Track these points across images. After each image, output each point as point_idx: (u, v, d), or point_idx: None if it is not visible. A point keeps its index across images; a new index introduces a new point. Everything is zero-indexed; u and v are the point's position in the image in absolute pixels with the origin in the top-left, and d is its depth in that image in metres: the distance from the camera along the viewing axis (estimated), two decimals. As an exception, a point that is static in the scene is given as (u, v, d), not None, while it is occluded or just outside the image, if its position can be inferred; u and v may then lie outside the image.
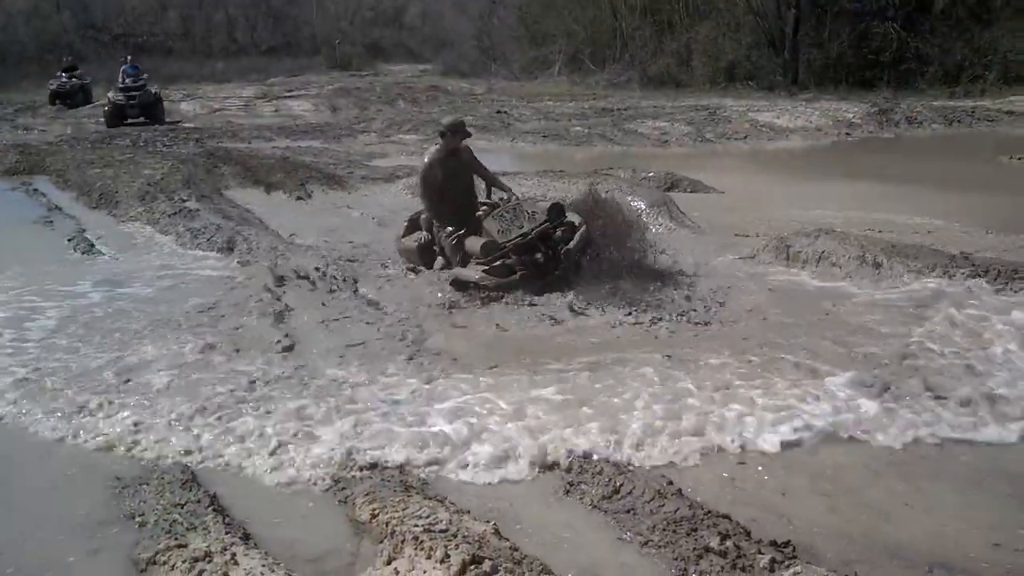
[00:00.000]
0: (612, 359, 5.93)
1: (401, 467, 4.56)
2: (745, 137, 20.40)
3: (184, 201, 11.71)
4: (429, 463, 4.62)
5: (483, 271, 7.50)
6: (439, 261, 8.42)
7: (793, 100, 26.26)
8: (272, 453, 4.72)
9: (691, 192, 12.65)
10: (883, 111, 22.72)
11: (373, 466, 4.57)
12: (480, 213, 7.99)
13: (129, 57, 26.03)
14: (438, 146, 8.09)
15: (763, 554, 3.60)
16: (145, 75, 24.69)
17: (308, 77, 41.28)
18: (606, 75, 35.22)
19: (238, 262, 9.11)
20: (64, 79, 27.36)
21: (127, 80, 23.83)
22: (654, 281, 7.62)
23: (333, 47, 52.32)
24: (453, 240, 7.93)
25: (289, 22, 57.61)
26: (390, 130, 21.99)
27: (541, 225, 7.66)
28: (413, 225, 8.78)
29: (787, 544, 3.71)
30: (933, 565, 3.63)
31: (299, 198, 12.57)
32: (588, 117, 23.82)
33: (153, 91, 24.07)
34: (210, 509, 4.11)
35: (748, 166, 16.92)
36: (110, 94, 23.68)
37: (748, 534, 3.79)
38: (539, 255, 7.60)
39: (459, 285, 7.67)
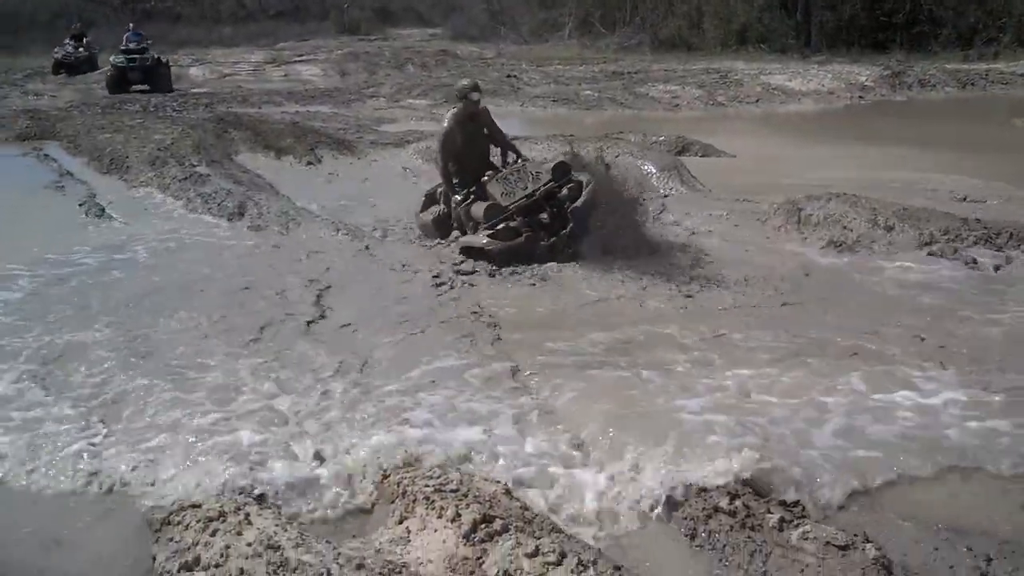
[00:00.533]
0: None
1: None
2: (757, 101, 20.29)
3: (194, 166, 11.71)
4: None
5: (488, 236, 7.34)
6: (455, 233, 8.20)
7: (805, 63, 26.07)
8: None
9: (702, 156, 12.59)
10: (896, 74, 22.55)
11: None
12: (485, 178, 7.83)
13: (132, 23, 25.61)
14: (456, 109, 7.89)
15: (772, 513, 3.63)
16: (149, 41, 24.31)
17: (317, 42, 41.07)
18: (616, 38, 34.97)
19: (248, 227, 9.17)
20: (71, 48, 26.89)
21: (130, 45, 23.46)
22: (668, 250, 7.55)
23: (342, 11, 51.97)
24: (461, 207, 7.80)
25: (297, -14, 57.25)
26: (399, 95, 21.92)
27: (546, 184, 7.48)
28: (430, 199, 8.64)
29: (796, 503, 3.73)
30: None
31: (309, 163, 12.56)
32: (598, 81, 23.69)
33: (156, 56, 23.60)
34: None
35: (760, 130, 16.83)
36: (112, 57, 23.41)
37: (757, 494, 3.82)
38: (544, 215, 7.49)
39: (468, 252, 7.54)
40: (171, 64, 25.04)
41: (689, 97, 20.33)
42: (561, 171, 7.58)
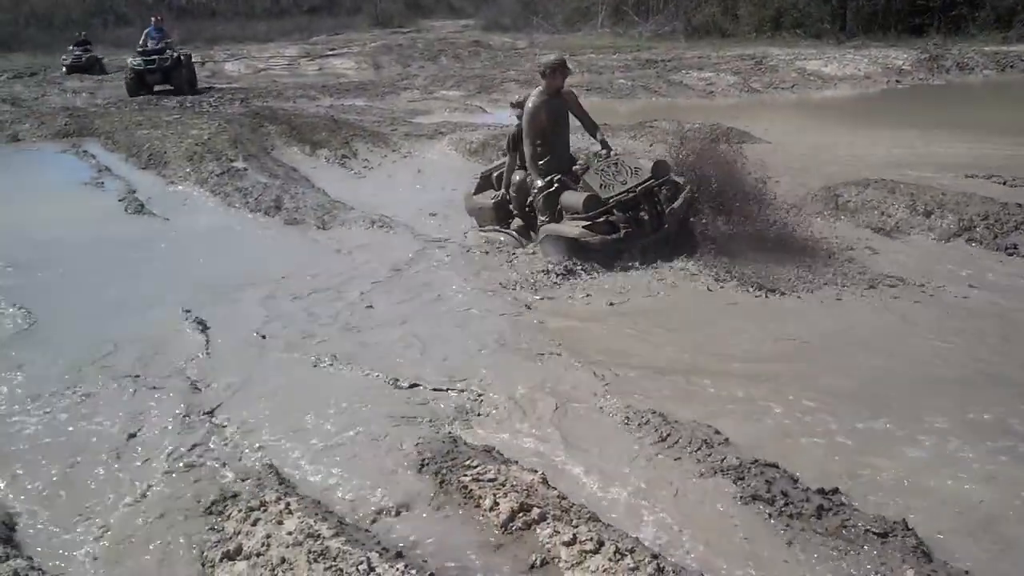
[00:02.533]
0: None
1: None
2: (792, 87, 20.12)
3: (232, 161, 11.83)
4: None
5: (584, 227, 7.01)
6: (516, 222, 7.97)
7: (841, 48, 25.79)
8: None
9: (738, 143, 12.47)
10: (933, 57, 22.26)
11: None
12: (578, 167, 7.54)
13: (156, 18, 23.74)
14: (540, 88, 7.53)
15: (810, 501, 3.62)
16: (170, 39, 22.60)
17: (350, 35, 41.22)
18: (650, 26, 34.79)
19: (285, 221, 9.28)
20: (78, 53, 26.90)
21: (149, 43, 21.83)
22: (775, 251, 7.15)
23: (374, 4, 52.13)
24: (546, 192, 7.39)
25: (330, -20, 57.46)
26: (433, 86, 21.95)
27: (646, 181, 7.27)
28: (485, 182, 8.37)
29: (835, 491, 3.72)
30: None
31: (344, 156, 12.60)
32: (632, 69, 23.59)
33: (176, 55, 21.89)
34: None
35: (796, 116, 16.67)
36: (130, 59, 21.76)
37: (795, 481, 3.81)
38: (643, 213, 7.20)
39: (552, 242, 7.27)
40: (196, 60, 24.55)
41: (724, 84, 20.19)
42: (661, 169, 7.42)
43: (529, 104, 7.46)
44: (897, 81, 20.52)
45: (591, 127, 7.84)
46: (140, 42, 22.16)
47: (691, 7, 33.98)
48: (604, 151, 7.63)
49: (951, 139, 12.41)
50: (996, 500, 3.74)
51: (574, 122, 7.77)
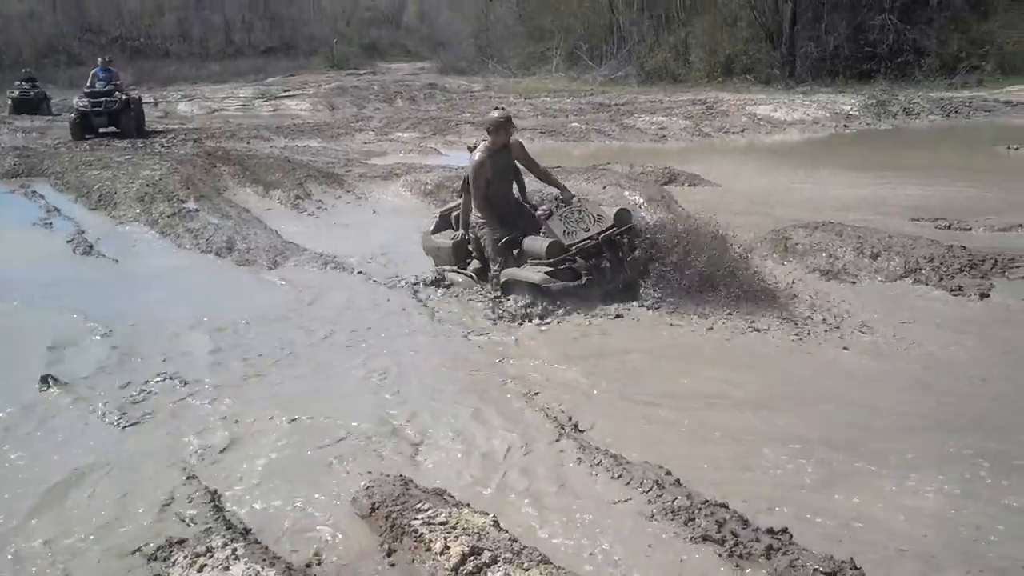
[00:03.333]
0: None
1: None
2: (743, 131, 20.44)
3: (183, 202, 11.74)
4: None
5: (546, 273, 7.04)
6: (474, 263, 7.94)
7: (790, 93, 26.31)
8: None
9: (689, 186, 12.67)
10: (880, 103, 22.75)
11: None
12: (541, 212, 7.54)
13: (103, 59, 22.63)
14: (486, 142, 7.59)
15: (760, 541, 3.63)
16: (118, 81, 21.39)
17: (306, 77, 41.30)
18: (604, 70, 35.25)
19: (236, 262, 9.21)
20: (25, 87, 26.24)
21: (97, 84, 20.81)
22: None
23: (330, 47, 52.31)
24: (503, 241, 7.41)
25: (286, 23, 57.66)
26: (388, 128, 22.00)
27: (608, 229, 7.34)
28: (444, 221, 8.35)
29: (784, 531, 3.73)
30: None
31: (298, 197, 12.55)
32: (586, 113, 23.85)
33: (125, 97, 20.85)
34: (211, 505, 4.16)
35: (746, 160, 16.94)
36: (75, 100, 20.82)
37: (746, 522, 3.82)
38: (605, 261, 7.25)
39: (509, 288, 7.30)
40: (149, 101, 24.06)
41: (676, 128, 20.47)
42: (623, 217, 7.49)
43: (475, 157, 7.55)
44: (845, 126, 20.92)
45: (544, 176, 7.95)
46: (88, 83, 21.22)
47: (644, 53, 34.50)
48: (564, 195, 7.70)
49: (898, 183, 12.68)
50: (941, 538, 3.79)
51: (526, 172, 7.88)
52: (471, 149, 7.92)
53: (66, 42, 44.42)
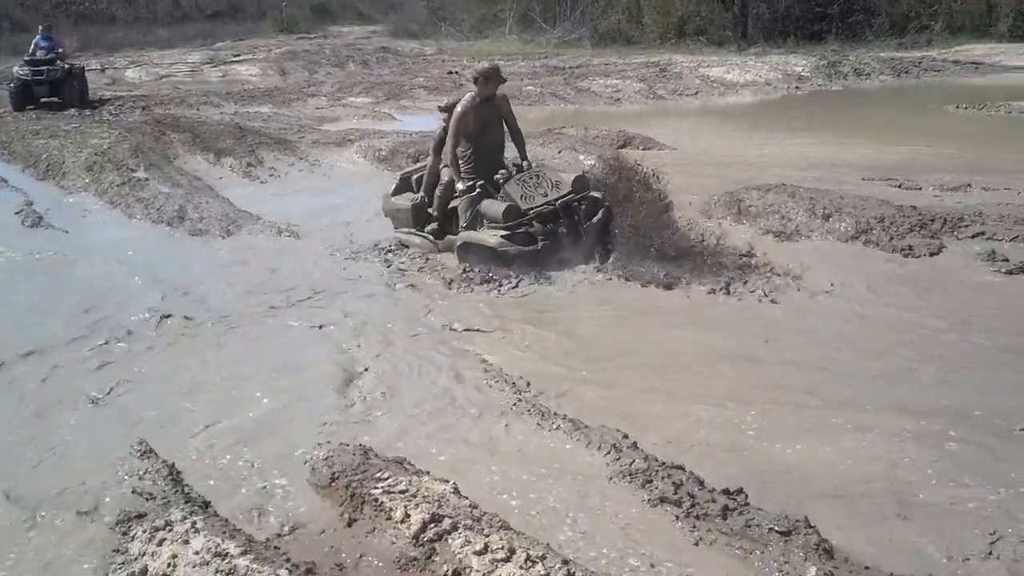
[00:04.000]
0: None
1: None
2: (696, 93, 20.50)
3: (132, 171, 11.57)
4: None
5: (502, 236, 7.09)
6: (432, 226, 7.92)
7: (743, 55, 26.41)
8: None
9: (643, 149, 12.67)
10: (831, 64, 22.92)
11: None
12: (499, 176, 7.50)
13: (44, 26, 21.23)
14: (472, 93, 7.53)
15: (716, 502, 3.69)
16: (60, 49, 20.22)
17: (255, 41, 40.54)
18: (557, 33, 35.07)
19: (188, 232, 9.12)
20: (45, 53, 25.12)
21: (39, 53, 19.70)
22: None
23: (280, 10, 51.44)
24: (469, 195, 7.43)
25: (234, -15, 56.60)
26: (340, 93, 21.78)
27: (565, 195, 7.33)
28: (404, 184, 8.30)
29: (739, 491, 3.79)
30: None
31: (250, 165, 12.41)
32: (540, 76, 23.75)
33: (68, 66, 19.79)
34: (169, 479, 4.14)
35: (699, 122, 16.99)
36: (15, 68, 19.78)
37: (702, 483, 3.88)
38: (561, 226, 7.26)
39: (466, 249, 7.30)
40: (95, 68, 23.20)
41: (630, 91, 20.46)
42: (581, 184, 7.49)
43: (459, 107, 7.47)
44: (797, 87, 21.05)
45: (517, 138, 7.85)
46: (29, 51, 20.09)
47: (597, 14, 34.36)
48: (523, 163, 7.66)
49: (849, 143, 12.81)
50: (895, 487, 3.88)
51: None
52: (443, 109, 7.89)
53: (7, 7, 43.23)
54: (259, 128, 14.95)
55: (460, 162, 7.52)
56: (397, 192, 8.32)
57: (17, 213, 10.07)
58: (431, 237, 7.89)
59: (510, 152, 7.86)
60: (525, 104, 19.32)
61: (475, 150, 7.52)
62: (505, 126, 7.77)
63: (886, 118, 15.85)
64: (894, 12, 28.46)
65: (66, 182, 11.54)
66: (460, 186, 7.49)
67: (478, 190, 7.43)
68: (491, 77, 7.51)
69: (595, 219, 7.35)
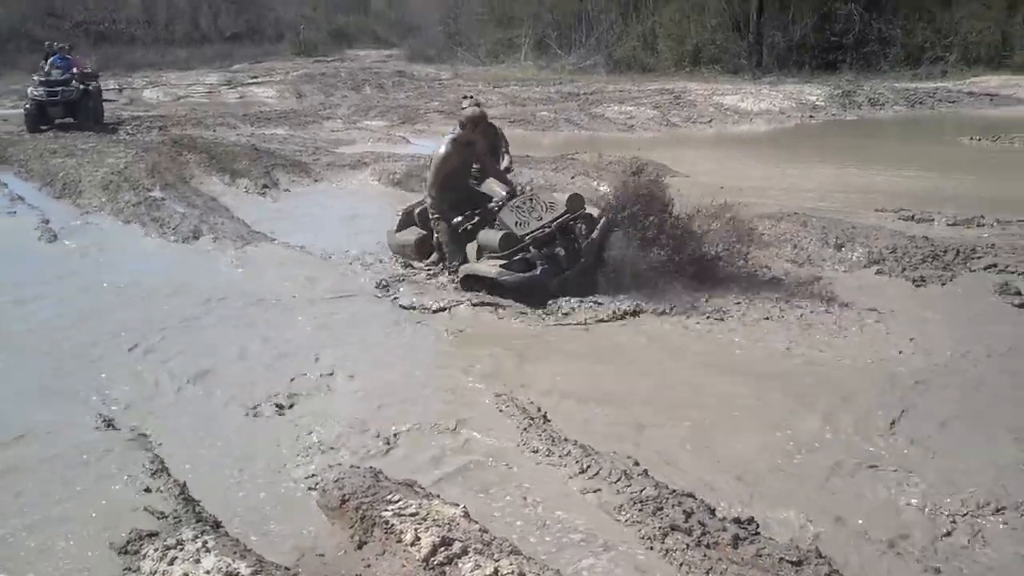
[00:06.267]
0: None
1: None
2: (710, 121, 20.52)
3: (148, 191, 11.68)
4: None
5: (501, 266, 7.05)
6: (433, 256, 8.00)
7: (757, 83, 26.43)
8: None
9: (657, 176, 12.65)
10: (846, 93, 22.93)
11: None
12: (493, 205, 7.55)
13: (61, 46, 21.16)
14: (455, 135, 7.65)
15: (727, 530, 3.69)
16: (75, 69, 19.82)
17: (272, 63, 40.89)
18: (572, 59, 35.20)
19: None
20: (59, 73, 24.71)
21: (54, 73, 19.32)
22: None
23: (297, 33, 51.87)
24: (461, 229, 7.50)
25: (252, 8, 57.00)
26: (356, 116, 21.91)
27: (560, 216, 7.31)
28: (407, 219, 8.37)
29: (751, 520, 3.79)
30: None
31: (265, 186, 12.51)
32: (554, 102, 23.85)
33: (84, 86, 19.45)
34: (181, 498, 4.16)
35: (713, 150, 17.03)
36: (30, 89, 19.33)
37: (712, 511, 3.87)
38: (559, 248, 7.23)
39: (469, 281, 7.30)
40: (113, 87, 23.27)
41: (644, 118, 20.51)
42: (575, 203, 7.46)
43: (440, 151, 7.59)
44: (811, 116, 21.07)
45: (496, 176, 8.03)
46: (44, 70, 19.70)
47: (612, 41, 34.50)
48: (508, 191, 7.70)
49: (863, 173, 12.81)
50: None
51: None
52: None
53: (28, 26, 43.67)
54: (275, 150, 15.06)
55: (442, 202, 7.62)
56: (401, 227, 8.42)
57: (34, 230, 10.14)
58: (436, 268, 7.94)
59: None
60: (539, 129, 19.42)
61: (455, 189, 7.67)
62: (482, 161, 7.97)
63: (900, 149, 15.85)
64: (909, 43, 28.49)
65: (82, 200, 11.63)
66: (456, 219, 7.54)
67: (476, 219, 7.50)
68: (479, 124, 7.66)
69: (593, 235, 7.29)
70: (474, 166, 8.05)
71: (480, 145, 7.85)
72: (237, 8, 55.58)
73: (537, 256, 7.13)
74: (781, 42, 30.11)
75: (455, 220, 7.53)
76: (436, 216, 7.68)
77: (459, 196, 7.68)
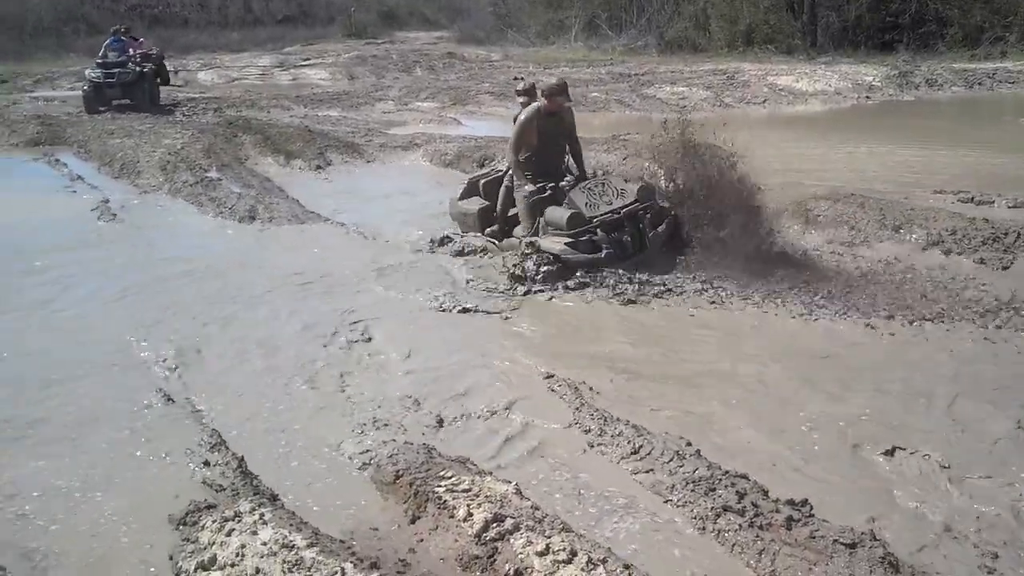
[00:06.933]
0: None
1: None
2: (764, 101, 20.26)
3: (205, 171, 11.83)
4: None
5: (566, 243, 7.09)
6: (493, 227, 8.09)
7: (812, 64, 26.01)
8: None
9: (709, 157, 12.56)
10: (902, 74, 22.49)
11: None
12: (564, 184, 7.61)
13: (116, 28, 21.47)
14: (538, 104, 7.63)
15: (780, 512, 3.67)
16: (131, 52, 20.30)
17: (324, 46, 41.04)
18: (623, 40, 34.91)
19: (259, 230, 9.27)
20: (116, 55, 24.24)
21: (110, 55, 19.75)
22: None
23: (348, 15, 52.01)
24: (531, 199, 7.51)
25: (303, -9, 57.32)
26: (407, 98, 21.94)
27: (630, 204, 7.35)
28: (472, 188, 8.43)
29: (804, 502, 3.77)
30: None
31: (319, 167, 12.64)
32: (606, 83, 23.68)
33: (140, 69, 19.79)
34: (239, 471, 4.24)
35: (767, 130, 16.79)
36: (87, 71, 19.90)
37: (766, 493, 3.85)
38: (626, 235, 7.26)
39: (530, 250, 7.27)
40: (169, 70, 23.97)
41: (696, 98, 20.29)
42: (647, 193, 7.50)
43: (522, 117, 7.63)
44: (867, 97, 20.71)
45: (577, 154, 7.98)
46: (100, 53, 20.16)
47: (664, 22, 34.16)
48: (580, 175, 7.77)
49: (920, 154, 12.57)
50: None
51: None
52: (519, 93, 8.36)
53: (85, 10, 44.28)
54: (328, 131, 15.15)
55: (521, 170, 7.61)
56: (464, 196, 8.46)
57: (93, 210, 10.33)
58: (495, 241, 7.95)
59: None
60: (590, 110, 19.30)
61: (537, 160, 7.62)
62: (567, 141, 7.89)
63: (958, 130, 15.53)
64: (967, 23, 27.83)
65: (140, 180, 11.81)
66: (529, 187, 7.54)
67: (548, 191, 7.48)
68: (558, 94, 7.56)
69: (660, 228, 7.35)
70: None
71: (569, 116, 7.83)
72: (289, -9, 55.85)
73: (604, 239, 7.15)
74: (836, 22, 29.57)
75: (527, 188, 7.55)
76: (517, 184, 7.69)
77: (545, 169, 7.68)
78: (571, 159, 8.01)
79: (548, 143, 7.66)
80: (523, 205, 7.61)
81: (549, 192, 7.49)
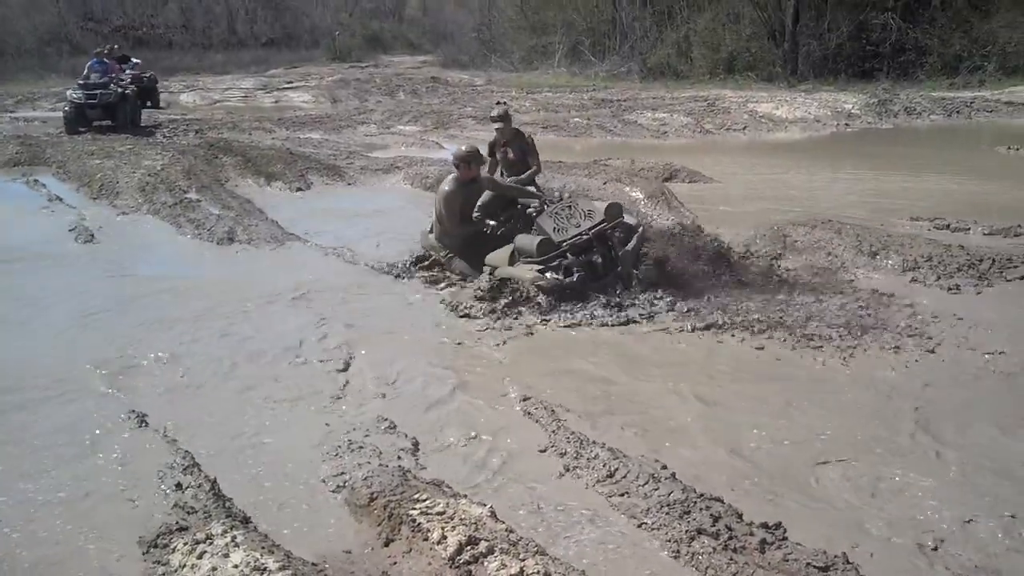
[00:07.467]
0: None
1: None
2: (744, 128, 20.42)
3: (184, 192, 11.80)
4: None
5: (538, 271, 7.09)
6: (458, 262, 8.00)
7: (792, 91, 26.26)
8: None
9: (689, 183, 12.67)
10: (882, 102, 22.74)
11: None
12: (531, 210, 7.67)
13: (103, 50, 21.75)
14: (453, 175, 7.84)
15: (754, 535, 3.67)
16: (113, 74, 20.33)
17: (308, 68, 41.12)
18: (606, 66, 35.16)
19: (237, 252, 9.23)
20: (99, 75, 23.99)
21: (92, 76, 19.74)
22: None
23: (332, 39, 52.16)
24: (499, 231, 7.62)
25: (288, 14, 57.37)
26: (390, 121, 22.00)
27: (598, 224, 7.35)
28: None
29: (778, 525, 3.76)
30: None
31: (299, 189, 12.64)
32: (587, 108, 23.82)
33: (120, 90, 19.81)
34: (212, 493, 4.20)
35: (747, 157, 16.93)
36: (69, 92, 19.97)
37: (740, 516, 3.85)
38: (596, 256, 7.28)
39: (503, 285, 7.21)
40: (160, 90, 24.00)
41: (677, 125, 20.45)
42: (614, 212, 7.50)
43: (445, 187, 7.84)
44: (846, 124, 20.91)
45: (516, 195, 8.09)
46: (83, 74, 20.11)
47: (646, 49, 34.41)
48: (539, 204, 7.85)
49: (898, 182, 12.70)
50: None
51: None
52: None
53: (68, 31, 44.26)
54: (309, 154, 15.18)
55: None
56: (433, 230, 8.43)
57: (71, 230, 10.27)
58: (468, 270, 7.96)
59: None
60: (571, 135, 19.43)
61: (486, 211, 7.84)
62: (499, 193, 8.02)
63: (936, 158, 15.68)
64: (946, 52, 28.16)
65: (119, 201, 11.76)
66: (492, 223, 7.72)
67: (512, 222, 7.68)
68: (471, 161, 7.79)
69: (630, 246, 7.34)
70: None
71: (485, 180, 7.96)
72: (273, 14, 56.00)
73: (574, 263, 7.15)
74: (816, 50, 29.87)
75: (490, 223, 7.66)
76: (447, 254, 7.95)
77: (491, 211, 7.86)
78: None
79: (473, 204, 7.86)
80: (463, 266, 7.86)
81: (512, 224, 7.67)
